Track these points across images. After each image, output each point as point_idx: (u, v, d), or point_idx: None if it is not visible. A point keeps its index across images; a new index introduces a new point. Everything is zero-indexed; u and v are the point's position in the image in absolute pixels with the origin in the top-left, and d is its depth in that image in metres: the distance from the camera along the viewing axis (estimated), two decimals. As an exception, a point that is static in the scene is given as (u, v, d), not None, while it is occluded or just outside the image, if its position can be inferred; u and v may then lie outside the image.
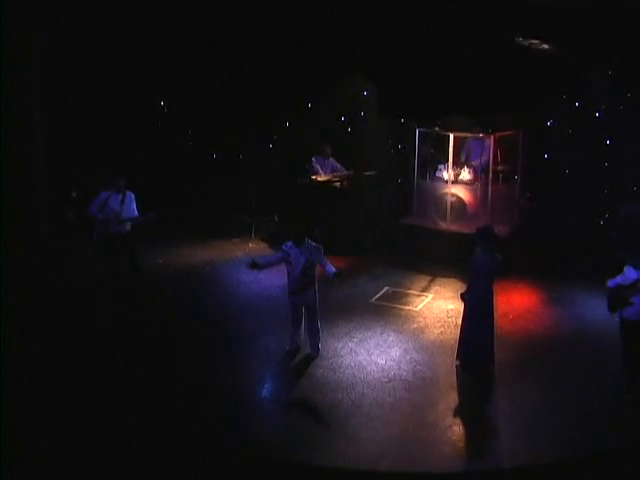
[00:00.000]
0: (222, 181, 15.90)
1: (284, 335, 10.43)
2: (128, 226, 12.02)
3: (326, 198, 14.39)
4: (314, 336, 10.23)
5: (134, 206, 12.02)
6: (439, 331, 11.11)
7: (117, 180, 11.92)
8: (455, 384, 9.64)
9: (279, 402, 9.27)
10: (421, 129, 14.17)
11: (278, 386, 9.69)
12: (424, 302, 12.20)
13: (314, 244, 10.00)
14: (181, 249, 14.45)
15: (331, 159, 14.94)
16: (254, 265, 10.19)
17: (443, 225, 13.92)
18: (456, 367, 9.97)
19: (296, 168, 15.21)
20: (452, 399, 9.28)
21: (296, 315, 10.22)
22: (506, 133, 13.85)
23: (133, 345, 10.49)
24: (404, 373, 9.82)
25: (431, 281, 13.02)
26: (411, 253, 13.81)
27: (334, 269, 9.96)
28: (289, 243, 10.00)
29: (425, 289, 12.73)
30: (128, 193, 11.98)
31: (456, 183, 13.95)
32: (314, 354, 10.19)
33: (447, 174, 13.95)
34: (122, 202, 11.84)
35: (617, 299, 9.03)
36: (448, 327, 11.17)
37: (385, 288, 12.69)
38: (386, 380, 9.63)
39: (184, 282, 12.89)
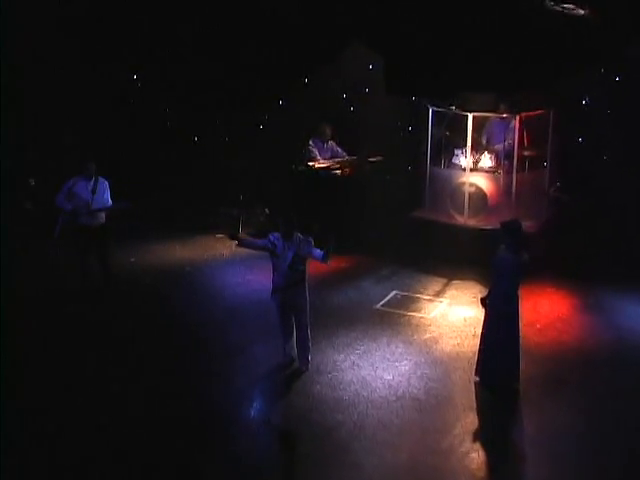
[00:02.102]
0: (204, 168, 15.88)
1: (275, 345, 10.42)
2: (101, 218, 11.94)
3: (325, 188, 14.38)
4: (303, 346, 10.23)
5: (107, 195, 11.96)
6: (455, 342, 11.10)
7: (87, 164, 11.83)
8: (474, 404, 9.63)
9: (269, 424, 9.26)
10: (435, 108, 14.15)
11: (268, 405, 9.67)
12: (438, 309, 12.20)
13: (302, 236, 9.99)
14: (157, 246, 14.45)
15: (331, 142, 14.94)
16: (235, 237, 10.26)
17: (460, 219, 13.91)
18: (475, 384, 9.96)
19: (290, 153, 15.20)
20: (470, 421, 9.27)
21: (283, 319, 10.20)
22: (534, 113, 13.84)
23: (100, 360, 10.46)
24: (414, 391, 9.81)
25: (446, 284, 13.02)
26: (423, 252, 13.81)
27: (321, 252, 9.93)
28: (276, 234, 10.01)
29: (439, 293, 12.73)
30: (101, 180, 11.91)
31: (475, 171, 13.94)
32: (303, 368, 10.19)
33: (465, 160, 13.94)
34: (94, 190, 11.78)
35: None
36: (466, 338, 11.17)
37: (393, 292, 12.69)
38: (394, 399, 9.62)
39: (160, 285, 12.89)
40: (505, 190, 13.80)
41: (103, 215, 11.94)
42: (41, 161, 14.76)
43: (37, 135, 14.97)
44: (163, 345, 10.90)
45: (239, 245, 10.44)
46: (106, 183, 11.96)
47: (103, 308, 11.82)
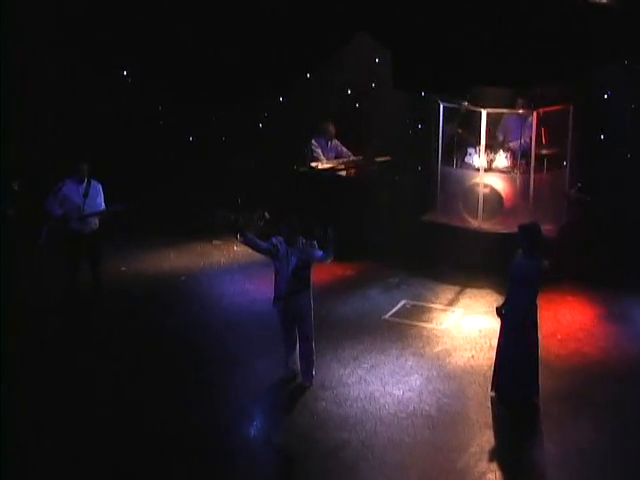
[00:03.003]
0: (200, 168, 15.89)
1: (277, 359, 10.40)
2: (93, 224, 11.86)
3: (329, 190, 14.38)
4: (307, 360, 10.21)
5: (100, 199, 11.88)
6: (469, 355, 11.09)
7: (78, 165, 11.76)
8: (490, 421, 9.62)
9: (270, 443, 9.25)
10: (446, 104, 14.15)
11: (269, 423, 9.65)
12: (450, 319, 12.19)
13: (306, 241, 9.99)
14: (150, 253, 14.46)
15: (335, 141, 14.94)
16: (240, 231, 10.13)
17: (474, 223, 13.90)
18: (491, 400, 9.94)
19: (292, 153, 15.20)
20: (486, 440, 9.25)
21: (286, 330, 10.18)
22: (553, 108, 13.84)
23: (90, 375, 10.46)
24: (426, 407, 9.79)
25: (459, 293, 13.01)
26: (434, 258, 13.80)
27: (322, 252, 9.91)
28: (279, 237, 10.01)
29: (452, 303, 12.72)
30: (94, 183, 11.86)
31: (490, 171, 13.93)
32: (307, 383, 10.18)
33: (478, 160, 13.94)
34: (86, 194, 11.73)
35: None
36: (480, 350, 11.16)
37: (402, 302, 12.68)
38: (404, 416, 9.60)
39: (153, 295, 12.88)
40: (522, 191, 13.79)
41: (96, 221, 11.87)
42: (25, 163, 14.74)
43: (20, 134, 14.94)
44: (156, 360, 10.90)
45: (242, 240, 10.32)
46: (99, 186, 11.89)
47: (92, 321, 11.81)
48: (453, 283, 13.25)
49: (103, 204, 11.90)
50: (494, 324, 10.62)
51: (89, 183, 11.80)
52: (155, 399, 9.95)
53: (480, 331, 11.69)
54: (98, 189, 11.88)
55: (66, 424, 9.35)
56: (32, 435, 9.09)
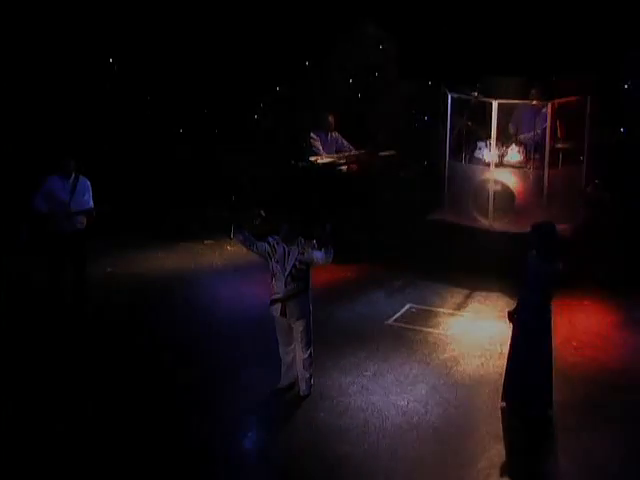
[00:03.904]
0: (191, 163, 15.90)
1: (273, 367, 10.42)
2: (79, 223, 11.87)
3: (329, 186, 14.39)
4: (305, 367, 10.22)
5: (88, 196, 11.90)
6: (479, 363, 11.11)
7: (64, 161, 11.79)
8: (500, 433, 9.61)
9: (266, 457, 9.25)
10: (455, 94, 14.16)
11: (265, 436, 9.66)
12: (458, 324, 12.21)
13: (305, 240, 10.01)
14: (136, 254, 14.46)
15: (335, 134, 14.96)
16: (238, 225, 10.19)
17: (484, 222, 13.93)
18: (501, 410, 9.95)
19: (289, 146, 15.21)
20: (496, 453, 9.25)
21: (282, 335, 10.20)
22: (569, 99, 13.85)
23: (72, 386, 10.45)
24: (432, 418, 9.80)
25: (468, 297, 13.04)
26: (441, 260, 13.81)
27: (321, 253, 9.90)
28: (276, 236, 10.04)
29: (459, 307, 12.75)
30: (82, 179, 11.88)
31: (501, 166, 13.95)
32: (304, 392, 10.21)
33: (489, 154, 13.96)
34: (72, 190, 11.74)
35: None
36: (490, 357, 11.18)
37: (407, 306, 12.71)
38: (409, 427, 9.60)
39: (140, 298, 12.89)
40: (536, 188, 13.81)
41: (83, 220, 11.88)
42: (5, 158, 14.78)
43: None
44: (143, 369, 10.90)
45: (239, 238, 10.31)
46: (88, 183, 11.89)
47: (75, 327, 11.83)
48: (461, 286, 13.28)
49: (91, 201, 11.91)
50: (505, 330, 10.61)
51: (77, 178, 11.81)
52: (139, 410, 9.94)
53: (490, 337, 11.70)
54: (86, 186, 11.89)
55: (49, 432, 9.37)
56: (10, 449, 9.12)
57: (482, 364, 11.05)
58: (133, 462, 8.94)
